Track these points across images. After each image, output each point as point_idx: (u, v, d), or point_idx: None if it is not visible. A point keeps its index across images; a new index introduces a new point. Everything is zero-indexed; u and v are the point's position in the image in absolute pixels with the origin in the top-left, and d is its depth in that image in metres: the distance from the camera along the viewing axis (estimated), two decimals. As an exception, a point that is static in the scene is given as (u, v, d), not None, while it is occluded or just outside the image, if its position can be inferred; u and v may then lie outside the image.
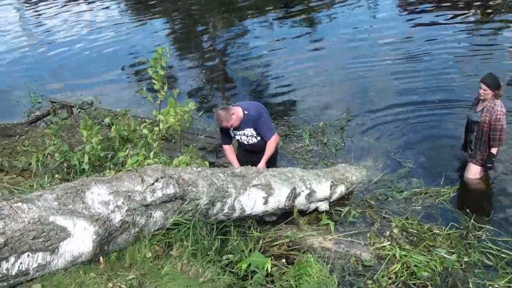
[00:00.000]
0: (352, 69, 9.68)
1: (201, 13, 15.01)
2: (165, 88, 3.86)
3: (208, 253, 3.46)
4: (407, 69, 9.41)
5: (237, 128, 4.98)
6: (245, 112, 4.92)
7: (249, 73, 10.05)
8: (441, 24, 11.65)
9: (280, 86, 9.32)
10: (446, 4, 13.06)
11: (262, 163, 5.00)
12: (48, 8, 16.55)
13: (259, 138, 5.06)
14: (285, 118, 7.95)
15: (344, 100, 8.44)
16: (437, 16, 12.20)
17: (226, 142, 5.24)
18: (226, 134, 5.14)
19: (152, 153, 3.84)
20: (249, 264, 3.67)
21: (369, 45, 10.80)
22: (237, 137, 5.12)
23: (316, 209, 4.90)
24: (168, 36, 13.12)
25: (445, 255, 4.26)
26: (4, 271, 2.60)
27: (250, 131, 5.01)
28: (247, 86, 9.51)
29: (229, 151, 5.24)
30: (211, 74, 10.33)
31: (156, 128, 4.02)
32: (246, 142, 5.12)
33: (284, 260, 4.09)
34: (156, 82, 3.77)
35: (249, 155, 5.18)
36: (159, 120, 3.86)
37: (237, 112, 4.87)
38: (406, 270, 4.06)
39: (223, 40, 12.36)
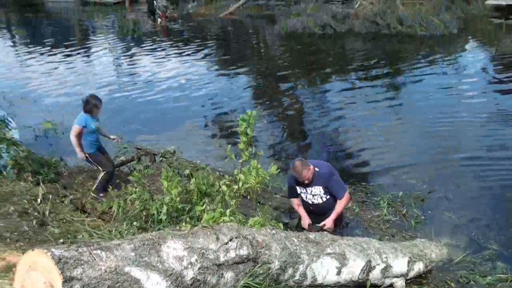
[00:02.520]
0: (436, 132, 9.39)
1: (285, 69, 15.37)
2: (251, 149, 3.89)
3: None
4: (499, 132, 8.95)
5: (307, 185, 4.93)
6: (316, 169, 4.88)
7: (327, 132, 10.03)
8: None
9: (358, 148, 9.18)
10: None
11: (330, 220, 4.96)
12: (138, 58, 17.68)
13: (325, 198, 4.99)
14: (362, 183, 7.76)
15: (427, 168, 8.13)
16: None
17: (294, 196, 5.21)
18: (294, 189, 5.12)
19: (228, 210, 3.84)
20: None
21: (454, 104, 10.49)
22: (303, 195, 5.08)
23: (390, 286, 4.64)
24: (252, 90, 13.47)
25: None
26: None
27: (318, 189, 4.96)
28: (324, 145, 9.47)
29: (298, 203, 5.19)
30: (289, 131, 10.39)
31: (235, 186, 4.04)
32: (310, 202, 5.08)
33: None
34: (242, 143, 3.81)
35: (311, 216, 5.12)
36: (239, 179, 3.88)
37: (311, 167, 4.85)
38: None
39: (304, 97, 12.51)
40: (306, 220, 5.14)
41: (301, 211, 5.17)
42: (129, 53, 19.16)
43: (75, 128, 6.60)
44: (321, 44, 18.56)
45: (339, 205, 4.99)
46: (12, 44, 24.53)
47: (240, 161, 3.94)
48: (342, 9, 21.83)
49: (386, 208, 6.86)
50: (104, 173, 6.80)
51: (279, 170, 4.50)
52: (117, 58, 18.44)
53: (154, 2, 25.17)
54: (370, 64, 15.12)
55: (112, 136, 7.22)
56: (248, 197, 6.21)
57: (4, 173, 6.12)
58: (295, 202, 5.21)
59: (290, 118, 11.17)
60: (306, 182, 4.89)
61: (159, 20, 24.11)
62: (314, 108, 11.63)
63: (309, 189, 4.97)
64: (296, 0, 25.71)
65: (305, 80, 14.20)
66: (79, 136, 6.62)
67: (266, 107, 11.95)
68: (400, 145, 9.19)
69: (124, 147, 9.08)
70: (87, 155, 6.80)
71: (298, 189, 5.07)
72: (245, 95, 12.89)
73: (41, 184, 5.75)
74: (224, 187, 4.10)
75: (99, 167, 6.90)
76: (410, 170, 8.14)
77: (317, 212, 5.07)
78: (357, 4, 21.83)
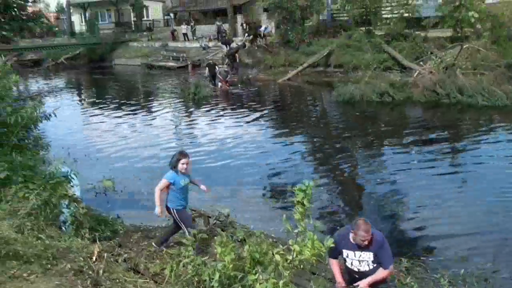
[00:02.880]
0: (501, 205, 8.89)
1: (342, 134, 15.33)
2: (307, 220, 3.82)
3: None
4: None
5: (362, 249, 4.83)
6: (373, 234, 4.82)
7: (383, 199, 9.74)
8: None
9: (416, 217, 8.82)
10: None
11: (366, 282, 4.82)
12: (197, 120, 18.21)
13: (372, 266, 4.85)
14: (421, 258, 7.39)
15: (491, 244, 7.64)
16: None
17: (334, 257, 5.09)
18: (337, 250, 4.97)
19: (282, 282, 3.73)
20: None
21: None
22: (348, 260, 4.95)
23: None
24: (307, 154, 13.44)
25: None
26: None
27: (368, 255, 4.85)
28: (380, 214, 9.11)
29: (336, 264, 5.10)
30: (343, 196, 10.19)
31: (289, 257, 3.95)
32: (356, 269, 4.95)
33: None
34: (298, 213, 3.76)
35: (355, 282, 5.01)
36: (294, 249, 3.80)
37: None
38: None
39: (360, 162, 12.34)
40: (342, 283, 5.04)
41: (336, 271, 5.09)
42: (189, 115, 19.84)
43: (161, 182, 6.62)
44: (378, 111, 18.49)
45: (381, 273, 4.86)
46: (79, 102, 26.01)
47: (296, 231, 3.86)
48: (401, 77, 21.86)
49: (447, 286, 6.46)
50: (184, 231, 6.68)
51: (325, 229, 4.36)
52: (177, 119, 19.11)
53: (216, 67, 26.23)
54: (428, 132, 14.85)
55: (202, 186, 7.08)
56: (301, 266, 6.05)
57: (63, 228, 6.29)
58: (333, 262, 5.14)
59: (345, 183, 10.98)
60: (365, 244, 4.80)
61: (219, 84, 24.96)
62: (370, 173, 11.42)
63: (358, 254, 4.89)
64: (354, 68, 26.08)
65: (361, 145, 14.07)
66: (164, 190, 6.63)
67: (321, 171, 11.86)
68: (461, 216, 8.76)
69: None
70: (174, 210, 6.72)
71: (345, 253, 4.97)
72: (300, 159, 12.86)
73: (97, 241, 5.85)
74: (278, 257, 4.00)
75: (182, 225, 6.77)
76: (473, 245, 7.69)
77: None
78: (416, 73, 21.79)
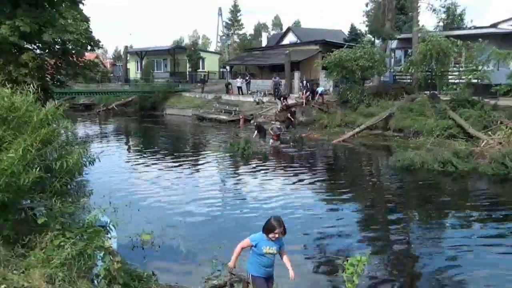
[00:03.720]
0: None
1: (397, 202, 14.93)
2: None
3: None
4: None
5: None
6: None
7: (442, 276, 9.29)
8: None
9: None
10: None
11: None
12: (244, 176, 18.25)
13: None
14: None
15: None
16: None
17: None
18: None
19: None
20: None
21: None
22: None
23: None
24: (359, 219, 13.13)
25: None
26: None
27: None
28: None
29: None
30: (395, 268, 9.77)
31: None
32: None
33: None
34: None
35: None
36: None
37: None
38: None
39: (415, 233, 11.89)
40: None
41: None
42: (235, 170, 20.00)
43: (244, 240, 6.53)
44: (439, 181, 17.97)
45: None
46: (126, 149, 26.80)
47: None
48: (466, 146, 21.29)
49: None
50: None
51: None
52: (223, 174, 19.27)
53: (264, 126, 26.75)
54: (495, 207, 14.20)
55: (290, 271, 6.63)
56: None
57: (95, 282, 6.29)
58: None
59: (398, 254, 10.56)
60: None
61: (270, 141, 25.16)
62: (425, 246, 10.96)
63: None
64: (416, 133, 25.73)
65: (417, 214, 13.63)
66: (245, 248, 6.58)
67: (373, 240, 11.50)
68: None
69: (218, 270, 9.04)
70: (250, 275, 6.56)
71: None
72: (352, 226, 12.55)
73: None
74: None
75: None
76: None
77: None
78: (483, 143, 21.21)
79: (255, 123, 29.47)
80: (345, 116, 31.05)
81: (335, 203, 14.89)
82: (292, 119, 31.40)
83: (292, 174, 18.75)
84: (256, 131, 26.86)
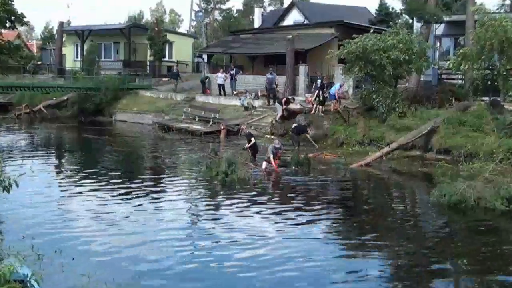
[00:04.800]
0: None
1: (442, 257, 14.93)
2: None
3: None
4: None
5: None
6: None
7: None
8: None
9: None
10: None
11: None
12: (224, 210, 18.25)
13: None
14: None
15: None
16: None
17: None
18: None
19: None
20: None
21: None
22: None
23: None
24: (388, 279, 13.14)
25: None
26: None
27: None
28: None
29: None
30: None
31: None
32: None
33: None
34: None
35: None
36: None
37: None
38: None
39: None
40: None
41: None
42: (212, 204, 20.00)
43: None
44: (504, 224, 18.07)
45: None
46: (58, 171, 26.65)
47: None
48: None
49: None
50: None
51: None
52: (193, 210, 19.27)
53: (253, 139, 26.84)
54: None
55: None
56: None
57: None
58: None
59: None
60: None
61: (264, 164, 25.10)
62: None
63: None
64: (469, 155, 25.80)
65: (472, 277, 13.65)
66: None
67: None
68: None
69: None
70: None
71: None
72: (376, 284, 12.60)
73: None
74: None
75: None
76: None
77: None
78: None
79: (246, 132, 29.45)
80: (370, 129, 31.18)
81: (353, 253, 14.92)
82: (286, 111, 31.76)
83: (291, 212, 18.69)
84: (247, 145, 27.04)
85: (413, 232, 17.29)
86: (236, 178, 22.55)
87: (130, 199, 19.95)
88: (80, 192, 20.94)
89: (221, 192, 21.60)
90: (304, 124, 32.04)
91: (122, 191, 21.11)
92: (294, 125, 31.66)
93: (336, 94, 34.58)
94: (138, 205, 19.16)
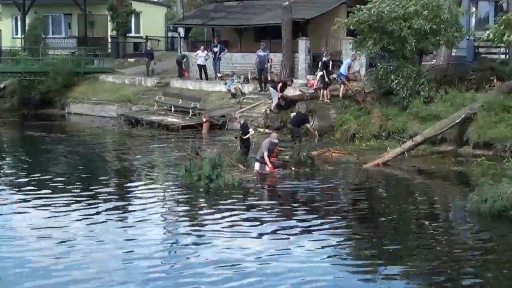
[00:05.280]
0: None
1: (478, 278, 14.95)
2: None
3: None
4: None
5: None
6: None
7: None
8: None
9: None
10: None
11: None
12: (207, 222, 18.20)
13: None
14: None
15: None
16: None
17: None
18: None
19: None
20: None
21: None
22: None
23: None
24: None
25: None
26: None
27: None
28: None
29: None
30: None
31: None
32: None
33: None
34: None
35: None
36: None
37: None
38: None
39: None
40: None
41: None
42: (192, 217, 19.98)
43: None
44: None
45: None
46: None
47: None
48: None
49: None
50: None
51: None
52: (170, 222, 19.33)
53: (251, 130, 26.71)
54: None
55: None
56: None
57: None
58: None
59: None
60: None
61: (256, 165, 24.93)
62: None
63: None
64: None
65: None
66: None
67: None
68: None
69: None
70: None
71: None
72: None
73: None
74: None
75: None
76: None
77: None
78: None
79: (241, 122, 28.93)
80: (387, 119, 31.20)
81: (368, 275, 14.94)
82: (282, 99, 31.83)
83: (287, 224, 18.71)
84: (249, 132, 27.15)
85: (446, 251, 17.14)
86: (222, 184, 22.43)
87: (90, 215, 19.73)
88: (24, 206, 20.76)
89: (205, 202, 21.60)
90: (304, 112, 31.93)
91: (79, 204, 20.94)
92: (292, 114, 31.62)
93: (347, 73, 34.54)
94: (101, 222, 18.97)
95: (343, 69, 34.81)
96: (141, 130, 37.94)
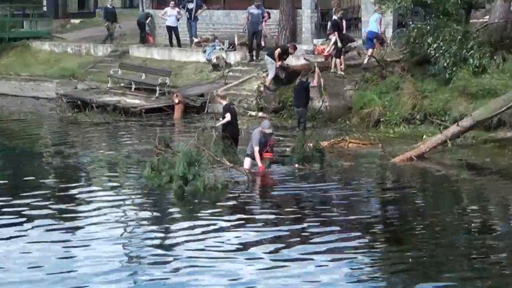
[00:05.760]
0: None
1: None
2: None
3: None
4: None
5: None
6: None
7: None
8: None
9: None
10: None
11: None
12: (179, 233, 18.06)
13: None
14: None
15: None
16: None
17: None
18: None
19: None
20: None
21: None
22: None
23: None
24: None
25: None
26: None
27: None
28: None
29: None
30: None
31: None
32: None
33: None
34: None
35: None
36: None
37: None
38: None
39: None
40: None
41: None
42: (162, 229, 19.98)
43: None
44: None
45: None
46: None
47: None
48: None
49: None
50: None
51: None
52: (130, 238, 19.22)
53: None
54: None
55: None
56: None
57: None
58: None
59: None
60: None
61: (246, 160, 24.85)
62: None
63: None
64: None
65: None
66: None
67: None
68: None
69: None
70: None
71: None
72: None
73: None
74: None
75: None
76: None
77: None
78: None
79: (227, 106, 28.43)
80: (423, 97, 31.24)
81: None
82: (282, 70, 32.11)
83: (298, 253, 18.34)
84: (224, 117, 26.70)
85: (508, 275, 17.10)
86: (201, 187, 22.32)
87: (23, 231, 19.61)
88: None
89: (177, 212, 21.56)
90: (306, 79, 31.65)
91: (9, 215, 20.83)
92: (298, 80, 31.30)
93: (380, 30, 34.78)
94: (36, 241, 18.84)
95: (374, 26, 34.78)
96: (90, 115, 37.94)
